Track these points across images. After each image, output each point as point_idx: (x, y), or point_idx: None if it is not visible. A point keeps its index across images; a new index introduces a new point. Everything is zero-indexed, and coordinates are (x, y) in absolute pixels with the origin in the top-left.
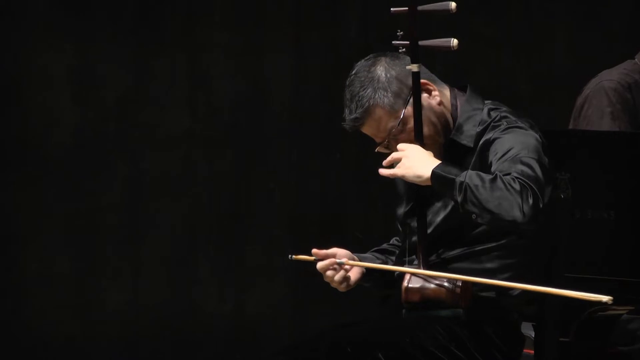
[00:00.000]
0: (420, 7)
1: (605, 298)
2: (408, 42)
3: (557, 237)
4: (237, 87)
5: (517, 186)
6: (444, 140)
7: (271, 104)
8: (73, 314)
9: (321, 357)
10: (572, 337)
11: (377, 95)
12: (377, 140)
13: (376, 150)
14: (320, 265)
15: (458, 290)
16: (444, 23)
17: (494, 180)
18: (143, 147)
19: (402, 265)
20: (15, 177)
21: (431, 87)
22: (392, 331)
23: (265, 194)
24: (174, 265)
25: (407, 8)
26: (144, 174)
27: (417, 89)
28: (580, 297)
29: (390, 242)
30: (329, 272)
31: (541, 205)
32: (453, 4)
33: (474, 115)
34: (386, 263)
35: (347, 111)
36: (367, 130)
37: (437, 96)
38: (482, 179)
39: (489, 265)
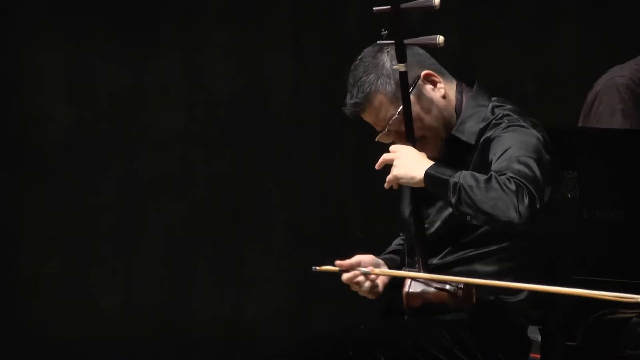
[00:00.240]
0: (403, 5)
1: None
2: (393, 42)
3: (563, 238)
4: (236, 86)
5: (512, 186)
6: (445, 135)
7: (271, 103)
8: (71, 315)
9: (321, 357)
10: (579, 341)
11: (379, 82)
12: (378, 128)
13: (377, 139)
14: (345, 277)
15: (460, 293)
16: (450, 20)
17: (488, 180)
18: (141, 147)
19: (403, 265)
20: (13, 177)
21: (437, 79)
22: (393, 332)
23: (265, 194)
24: (172, 266)
25: (389, 7)
26: (142, 174)
27: (405, 89)
28: (613, 298)
29: (398, 242)
30: (355, 284)
31: (538, 205)
32: (436, 0)
33: (477, 112)
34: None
35: (348, 96)
36: (367, 117)
37: (442, 89)
38: (476, 180)
39: (490, 268)
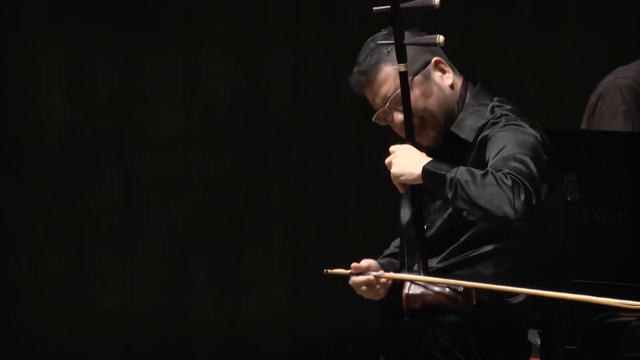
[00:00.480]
0: (403, 5)
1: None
2: (393, 42)
3: (563, 240)
4: (236, 86)
5: (508, 182)
6: (444, 124)
7: (271, 103)
8: (70, 316)
9: (321, 357)
10: (579, 344)
11: (390, 56)
12: (377, 106)
13: (374, 119)
14: (359, 280)
15: (460, 296)
16: (450, 20)
17: (485, 175)
18: (141, 147)
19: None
20: (13, 177)
21: (446, 68)
22: (394, 333)
23: (265, 194)
24: (172, 266)
25: (389, 7)
26: (142, 174)
27: (405, 89)
28: (616, 304)
29: (396, 245)
30: (365, 287)
31: (534, 202)
32: (436, 0)
33: (478, 111)
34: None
35: (355, 67)
36: (370, 90)
37: (450, 79)
38: (472, 175)
39: (490, 270)
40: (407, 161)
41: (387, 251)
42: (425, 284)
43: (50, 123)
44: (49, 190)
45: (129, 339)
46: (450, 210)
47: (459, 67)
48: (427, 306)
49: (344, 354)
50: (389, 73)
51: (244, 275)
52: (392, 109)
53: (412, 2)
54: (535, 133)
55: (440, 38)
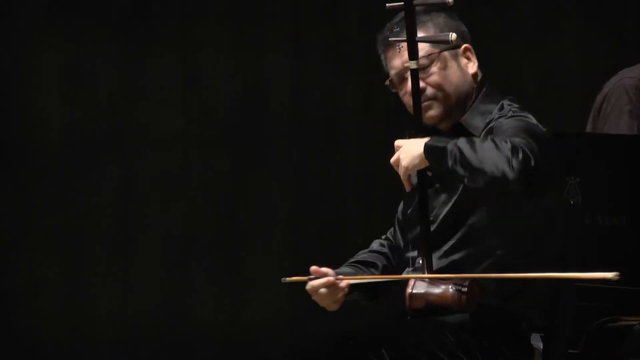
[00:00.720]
0: (416, 2)
1: (610, 275)
2: (405, 39)
3: (565, 243)
4: (236, 87)
5: (507, 145)
6: (453, 111)
7: (271, 104)
8: (69, 316)
9: (321, 352)
10: (581, 348)
11: (427, 25)
12: (394, 68)
13: (385, 83)
14: (315, 283)
15: (464, 295)
16: None
17: (483, 140)
18: (141, 147)
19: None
20: (12, 177)
21: (473, 58)
22: (397, 331)
23: (265, 194)
24: (172, 266)
25: (402, 3)
26: (142, 174)
27: (415, 84)
28: (586, 277)
29: (373, 248)
30: (324, 290)
31: (532, 164)
32: None
33: (488, 107)
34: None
35: (387, 25)
36: (394, 49)
37: (474, 69)
38: (472, 141)
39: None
40: (410, 148)
41: (356, 258)
42: (430, 283)
43: (50, 123)
44: (49, 190)
45: (128, 339)
46: (451, 204)
47: None
48: (430, 306)
49: (345, 348)
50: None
51: (244, 275)
52: (407, 77)
53: None
54: (542, 128)
55: (453, 36)
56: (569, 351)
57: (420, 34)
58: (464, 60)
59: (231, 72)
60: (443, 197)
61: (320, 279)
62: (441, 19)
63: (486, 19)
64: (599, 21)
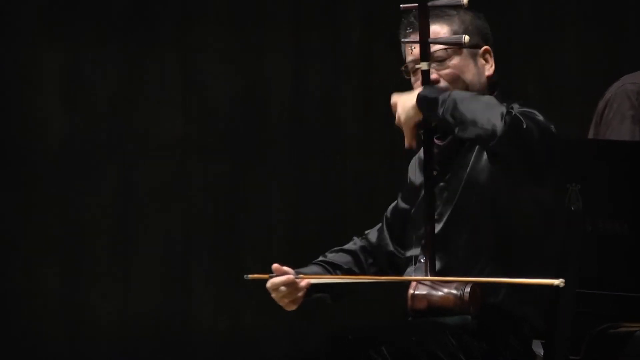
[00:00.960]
0: (430, 3)
1: (556, 281)
2: (417, 41)
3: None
4: (236, 87)
5: (504, 104)
6: None
7: (271, 104)
8: (64, 328)
9: (321, 352)
10: (582, 354)
11: (453, 20)
12: (413, 55)
13: (402, 68)
14: (275, 281)
15: (466, 297)
16: None
17: (480, 94)
18: (139, 149)
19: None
20: (12, 180)
21: (490, 61)
22: (398, 330)
23: (265, 195)
24: (170, 269)
25: (416, 5)
26: (142, 175)
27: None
28: (529, 282)
29: (345, 247)
30: (284, 288)
31: (524, 126)
32: None
33: None
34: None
35: (413, 11)
36: (415, 37)
37: (490, 71)
38: (468, 93)
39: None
40: (405, 101)
41: (325, 257)
42: (433, 285)
43: (50, 124)
44: (49, 191)
45: (126, 347)
46: (456, 200)
47: None
48: (433, 307)
49: (345, 344)
50: (441, 30)
51: (243, 280)
52: (431, 63)
53: (441, 0)
54: (549, 123)
55: (466, 38)
56: (570, 357)
57: (444, 27)
58: (481, 61)
59: (231, 72)
60: (447, 195)
61: (281, 277)
62: (468, 16)
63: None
64: (599, 21)
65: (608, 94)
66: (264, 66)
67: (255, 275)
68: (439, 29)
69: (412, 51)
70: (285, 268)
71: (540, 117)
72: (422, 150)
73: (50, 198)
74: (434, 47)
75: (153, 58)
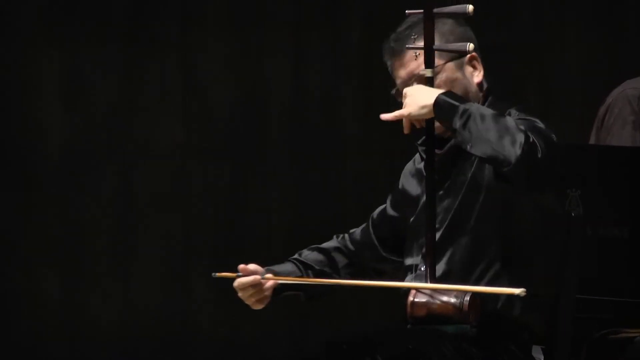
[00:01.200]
0: (436, 10)
1: (517, 291)
2: (422, 47)
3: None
4: (236, 88)
5: (522, 128)
6: None
7: (271, 104)
8: (62, 338)
9: (319, 356)
10: None
11: (435, 33)
12: (400, 79)
13: (392, 92)
14: (242, 280)
15: (466, 306)
16: None
17: (501, 114)
18: (138, 152)
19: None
20: (12, 187)
21: (479, 66)
22: (395, 337)
23: (265, 195)
24: (170, 271)
25: (422, 11)
26: (139, 179)
27: None
28: (490, 291)
29: (323, 245)
30: (249, 288)
31: (539, 156)
32: (470, 7)
33: None
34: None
35: (392, 35)
36: (399, 61)
37: (479, 77)
38: (487, 110)
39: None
40: (420, 95)
41: (300, 256)
42: (432, 292)
43: (50, 128)
44: (49, 195)
45: (128, 342)
46: (455, 209)
47: None
48: (432, 315)
49: (339, 350)
50: (422, 51)
51: None
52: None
53: (446, 8)
54: (551, 132)
55: (471, 46)
56: None
57: (413, 32)
58: (469, 69)
59: (231, 72)
60: (447, 202)
61: (247, 277)
62: (447, 26)
63: (491, 25)
64: (599, 21)
65: (609, 99)
66: (264, 66)
67: (223, 274)
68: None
69: (400, 74)
70: (252, 267)
71: (543, 127)
72: (415, 159)
73: (50, 199)
74: (420, 68)
75: (152, 59)
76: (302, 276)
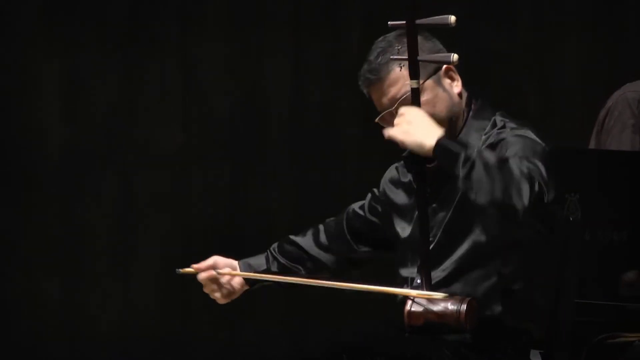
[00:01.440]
0: (418, 21)
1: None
2: (406, 58)
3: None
4: (235, 87)
5: (526, 171)
6: (448, 134)
7: (271, 105)
8: (62, 340)
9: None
10: None
11: (401, 52)
12: (383, 107)
13: (377, 120)
14: (200, 276)
15: (463, 314)
16: (449, 34)
17: (505, 160)
18: (138, 152)
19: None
20: (11, 191)
21: (455, 76)
22: (394, 343)
23: (265, 196)
24: (171, 272)
25: (404, 22)
26: (139, 180)
27: (416, 104)
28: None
29: (304, 236)
30: (208, 282)
31: (546, 200)
32: (452, 18)
33: (481, 124)
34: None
35: (365, 65)
36: (378, 90)
37: (458, 87)
38: (492, 156)
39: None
40: (419, 129)
41: (276, 248)
42: (429, 301)
43: (49, 131)
44: (49, 196)
45: (127, 342)
46: (447, 220)
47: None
48: (429, 324)
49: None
50: (399, 74)
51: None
52: (398, 111)
53: (429, 19)
54: (542, 143)
55: (455, 57)
56: None
57: (402, 70)
58: (447, 82)
59: (231, 73)
60: (440, 216)
61: (204, 273)
62: (420, 35)
63: (490, 31)
64: (599, 21)
65: (609, 102)
66: (264, 67)
67: (186, 270)
68: (397, 74)
69: (382, 103)
70: (207, 263)
71: (539, 146)
72: (398, 169)
73: (50, 199)
74: (400, 93)
75: (153, 59)
76: (268, 268)
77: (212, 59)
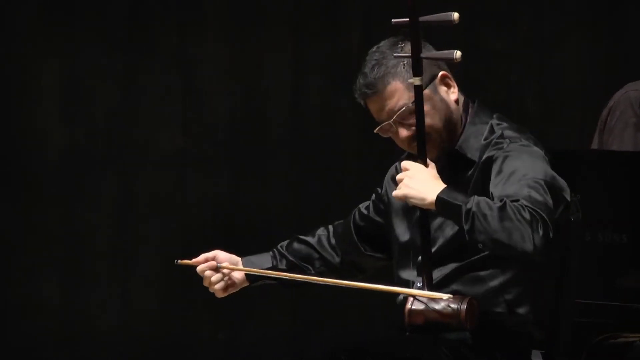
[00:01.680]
0: (421, 18)
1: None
2: (409, 55)
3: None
4: (235, 89)
5: (527, 215)
6: (446, 143)
7: (271, 105)
8: (62, 342)
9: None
10: None
11: (398, 68)
12: (382, 117)
13: (376, 131)
14: (199, 267)
15: (463, 313)
16: (449, 35)
17: (502, 209)
18: (138, 153)
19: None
20: (11, 194)
21: (452, 83)
22: (392, 345)
23: (265, 196)
24: (171, 273)
25: (407, 19)
26: (139, 181)
27: (420, 102)
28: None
29: (313, 236)
30: (207, 273)
31: (551, 235)
32: (456, 15)
33: (480, 129)
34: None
35: (361, 78)
36: (375, 103)
37: (455, 94)
38: (490, 208)
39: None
40: (420, 185)
41: (283, 248)
42: (429, 300)
43: (49, 134)
44: (49, 199)
45: (128, 344)
46: (452, 232)
47: (459, 85)
48: (429, 323)
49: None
50: (396, 87)
51: (243, 292)
52: (397, 123)
53: (432, 16)
54: (540, 151)
55: (458, 54)
56: None
57: (397, 82)
58: (443, 89)
59: (231, 73)
60: (439, 220)
61: (204, 264)
62: (408, 47)
63: (490, 32)
64: (599, 21)
65: (611, 102)
66: (264, 67)
67: (185, 261)
68: (394, 87)
69: (380, 116)
70: (206, 256)
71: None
72: (396, 166)
73: (50, 200)
74: (398, 105)
75: (152, 60)
76: (275, 266)
77: (212, 59)
